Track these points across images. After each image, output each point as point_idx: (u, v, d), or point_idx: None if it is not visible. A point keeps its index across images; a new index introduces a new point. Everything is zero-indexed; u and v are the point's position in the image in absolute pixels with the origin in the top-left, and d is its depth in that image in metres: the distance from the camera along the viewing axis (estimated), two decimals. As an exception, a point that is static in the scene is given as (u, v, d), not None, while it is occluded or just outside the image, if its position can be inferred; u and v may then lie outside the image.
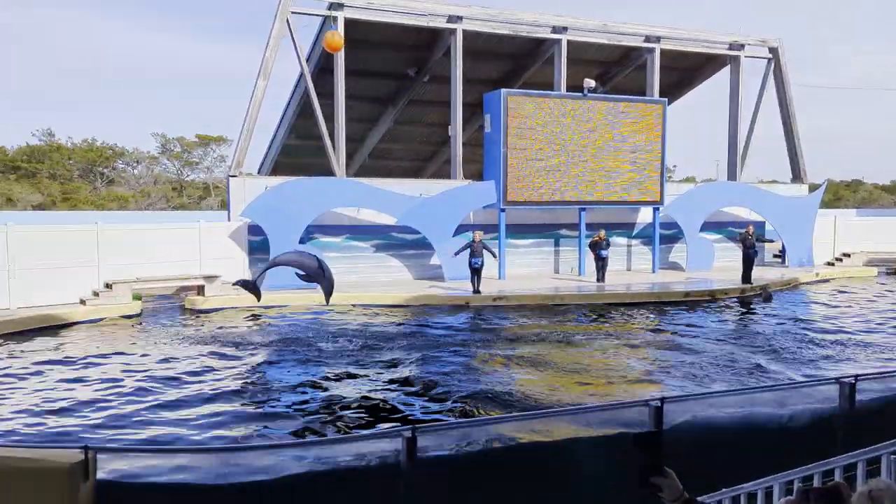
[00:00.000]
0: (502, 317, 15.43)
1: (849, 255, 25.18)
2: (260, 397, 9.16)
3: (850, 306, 17.19)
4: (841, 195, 68.59)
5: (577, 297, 17.81)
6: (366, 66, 23.02)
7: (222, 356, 11.33)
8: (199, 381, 9.85)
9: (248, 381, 10.01)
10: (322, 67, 21.20)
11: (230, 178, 19.09)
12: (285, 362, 11.04)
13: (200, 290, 16.77)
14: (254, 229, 18.21)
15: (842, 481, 1.76)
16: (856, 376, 6.46)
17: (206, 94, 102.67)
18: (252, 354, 11.57)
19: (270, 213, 17.85)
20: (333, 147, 20.00)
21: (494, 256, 18.01)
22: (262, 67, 19.21)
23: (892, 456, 3.82)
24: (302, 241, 18.43)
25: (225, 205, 21.11)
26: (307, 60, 20.61)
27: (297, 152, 25.46)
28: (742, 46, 24.58)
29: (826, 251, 25.07)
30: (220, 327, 14.12)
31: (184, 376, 10.07)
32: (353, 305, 16.34)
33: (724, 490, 4.38)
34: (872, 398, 6.69)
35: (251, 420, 8.26)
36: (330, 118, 19.84)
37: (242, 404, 8.83)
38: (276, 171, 25.17)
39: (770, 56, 25.10)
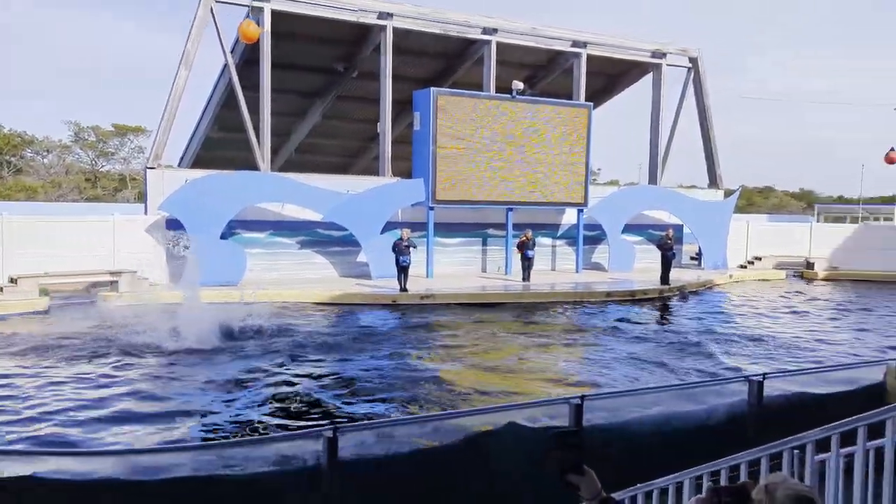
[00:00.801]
0: (429, 315, 15.41)
1: (760, 259, 26.39)
2: (174, 398, 8.81)
3: (759, 307, 17.99)
4: (754, 201, 71.77)
5: (503, 295, 17.98)
6: (293, 60, 22.60)
7: (135, 354, 10.86)
8: (111, 381, 9.40)
9: (162, 381, 9.61)
10: (247, 59, 20.66)
11: (148, 170, 18.37)
12: (202, 362, 10.67)
13: (114, 285, 16.06)
14: (172, 223, 17.57)
15: (748, 480, 1.79)
16: (763, 374, 6.73)
17: (124, 83, 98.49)
18: (167, 354, 11.13)
19: (190, 206, 17.25)
20: (258, 141, 19.52)
21: (415, 247, 17.88)
22: (183, 56, 18.57)
23: (796, 451, 3.97)
24: (223, 237, 17.93)
25: (142, 197, 20.33)
26: (232, 51, 20.03)
27: (220, 145, 24.76)
28: (664, 55, 25.39)
29: (739, 254, 26.19)
30: (134, 325, 13.52)
31: (93, 376, 9.59)
32: (276, 303, 15.99)
33: (637, 486, 4.47)
34: (778, 395, 6.99)
35: (163, 420, 7.92)
36: (255, 111, 19.36)
37: (153, 405, 8.47)
38: (197, 163, 24.39)
39: (690, 65, 26.02)
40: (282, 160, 26.91)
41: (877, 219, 40.16)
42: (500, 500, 5.62)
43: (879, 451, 3.33)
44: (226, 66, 19.96)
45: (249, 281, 17.85)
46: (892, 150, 24.85)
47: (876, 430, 3.32)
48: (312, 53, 23.05)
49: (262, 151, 19.56)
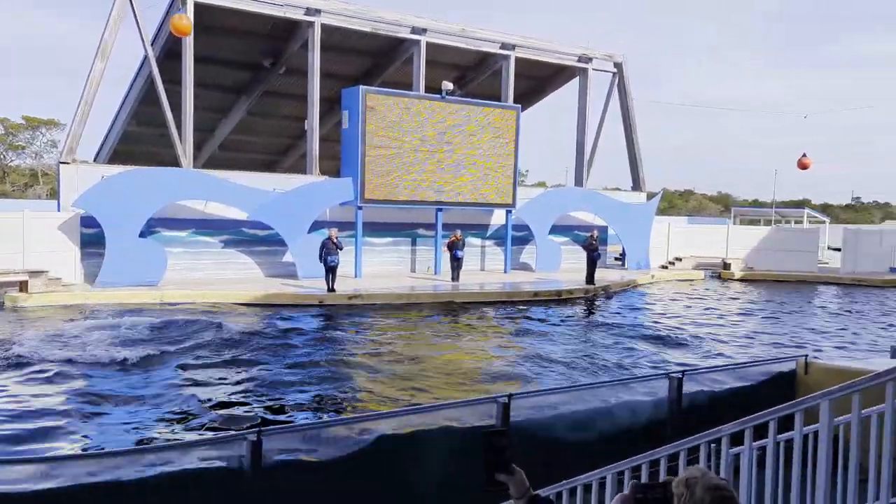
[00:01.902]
0: (357, 315, 15.25)
1: (680, 259, 27.34)
2: (88, 405, 8.38)
3: (679, 305, 18.60)
4: (675, 203, 74.38)
5: (432, 295, 17.97)
6: (217, 54, 22.01)
7: (43, 359, 10.28)
8: (18, 385, 8.88)
9: (74, 386, 9.14)
10: (169, 51, 19.96)
11: (61, 165, 17.50)
12: (117, 365, 10.20)
13: (23, 285, 15.22)
14: (87, 221, 16.80)
15: (671, 477, 1.81)
16: (683, 371, 6.94)
17: (36, 73, 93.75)
18: (79, 359, 10.57)
19: (107, 203, 16.52)
20: (180, 137, 18.88)
21: (341, 248, 17.56)
22: (100, 48, 17.78)
23: (713, 445, 4.08)
24: (143, 235, 17.26)
25: (55, 194, 19.35)
26: (153, 43, 19.32)
27: (140, 140, 23.88)
28: (590, 59, 25.95)
29: (661, 255, 27.05)
30: (44, 327, 12.85)
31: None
32: (199, 303, 15.51)
33: (563, 482, 4.51)
34: (696, 391, 7.22)
35: (77, 428, 7.53)
36: (177, 106, 18.71)
37: (65, 411, 8.04)
38: (114, 159, 23.43)
39: (615, 70, 26.69)
40: (205, 157, 26.16)
41: (788, 221, 42.21)
42: (427, 500, 5.59)
43: (790, 444, 3.45)
44: (146, 58, 19.23)
45: (171, 281, 17.26)
46: (804, 155, 26.13)
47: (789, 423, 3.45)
48: (238, 48, 22.48)
49: (184, 147, 18.94)
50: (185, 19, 16.74)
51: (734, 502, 1.70)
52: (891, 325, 16.22)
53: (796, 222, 41.36)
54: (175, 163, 18.84)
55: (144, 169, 17.74)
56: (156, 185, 17.28)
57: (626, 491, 2.02)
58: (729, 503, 1.69)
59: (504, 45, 24.08)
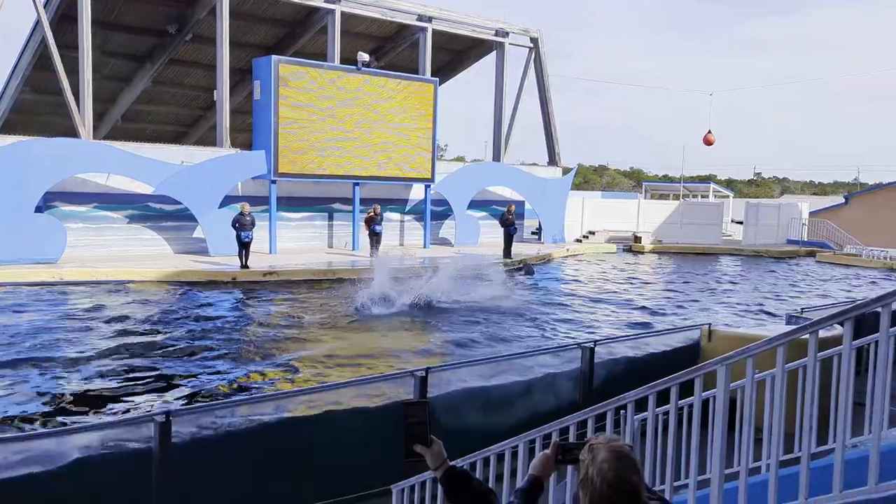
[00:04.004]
0: (272, 292, 14.91)
1: (594, 233, 28.10)
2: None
3: (593, 277, 19.12)
4: (589, 178, 76.21)
5: (349, 271, 17.75)
6: (118, 18, 20.85)
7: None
8: None
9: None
10: (64, 14, 18.73)
11: (-56, 135, 16.21)
12: (21, 345, 9.60)
13: None
14: (-24, 195, 15.66)
15: (591, 437, 1.86)
16: (595, 341, 7.11)
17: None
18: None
19: (-2, 176, 15.44)
20: (78, 106, 17.80)
21: (253, 225, 16.92)
22: (-15, 7, 16.47)
23: (623, 412, 4.19)
24: (39, 210, 16.25)
25: (-62, 166, 17.90)
26: (45, 5, 18.06)
27: (35, 109, 22.43)
28: (507, 34, 26.03)
29: (576, 229, 27.69)
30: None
31: None
32: (102, 281, 14.79)
33: (476, 452, 4.54)
34: (607, 360, 7.43)
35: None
36: (74, 73, 17.61)
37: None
38: (6, 128, 21.89)
39: (531, 45, 26.89)
40: (107, 128, 24.83)
41: (695, 196, 44.01)
42: (346, 474, 5.54)
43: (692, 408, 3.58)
44: (38, 21, 17.96)
45: (72, 258, 16.37)
46: (709, 132, 27.19)
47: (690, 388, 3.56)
48: (140, 12, 21.32)
49: (83, 117, 17.87)
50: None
51: (631, 460, 1.74)
52: (787, 293, 17.19)
53: (703, 196, 43.19)
54: (73, 133, 17.78)
55: (38, 139, 16.63)
56: (51, 156, 16.23)
57: (549, 450, 2.06)
58: (625, 460, 1.73)
59: (421, 17, 23.83)
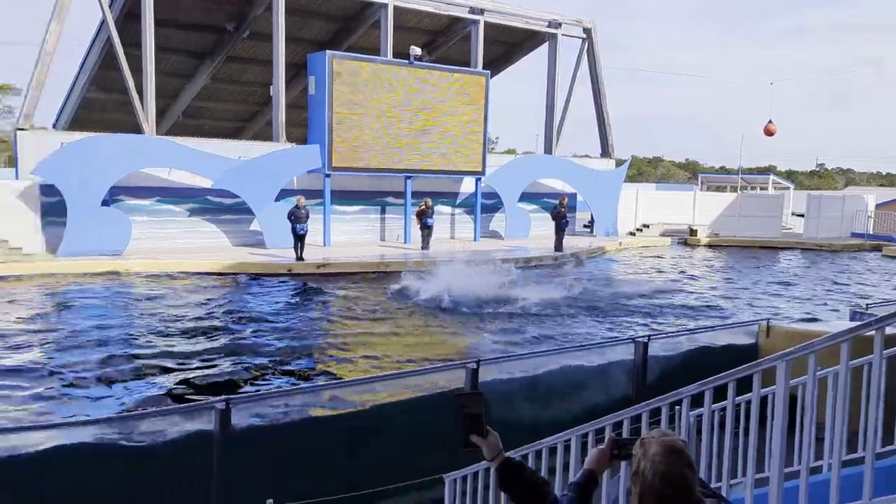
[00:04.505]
0: (326, 284, 15.17)
1: (648, 226, 27.63)
2: (64, 374, 8.25)
3: (649, 271, 18.83)
4: (643, 170, 74.86)
5: (402, 264, 17.91)
6: (179, 17, 21.40)
7: (19, 332, 10.08)
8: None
9: (51, 356, 8.99)
10: (128, 13, 19.37)
11: (18, 132, 16.97)
12: (92, 335, 10.04)
13: (-19, 257, 14.84)
14: (47, 189, 16.37)
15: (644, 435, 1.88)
16: (648, 336, 7.04)
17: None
18: (54, 328, 10.39)
19: (68, 171, 16.09)
20: (141, 102, 18.40)
21: (307, 217, 17.27)
22: (55, 9, 17.14)
23: (678, 407, 4.15)
24: (106, 204, 16.89)
25: (11, 161, 18.79)
26: (111, 5, 18.71)
27: (101, 106, 23.24)
28: (559, 25, 25.77)
29: (629, 222, 27.29)
30: (11, 299, 12.59)
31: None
32: (164, 273, 15.28)
33: (529, 444, 4.56)
34: (662, 355, 7.34)
35: (54, 398, 7.42)
36: (138, 70, 18.21)
37: (42, 380, 7.92)
38: (74, 126, 22.79)
39: (584, 36, 26.56)
40: (168, 124, 25.59)
41: (754, 188, 42.82)
42: (399, 463, 5.63)
43: (749, 404, 3.53)
44: (104, 20, 18.62)
45: (136, 250, 16.96)
46: (769, 122, 26.42)
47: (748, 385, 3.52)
48: (200, 10, 21.88)
49: (146, 114, 18.48)
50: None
51: (684, 454, 1.74)
52: (850, 288, 16.62)
53: (762, 188, 41.98)
54: (137, 130, 18.39)
55: (105, 135, 17.27)
56: (118, 152, 16.86)
57: (604, 445, 2.08)
58: (678, 455, 1.73)
59: (473, 10, 23.78)
